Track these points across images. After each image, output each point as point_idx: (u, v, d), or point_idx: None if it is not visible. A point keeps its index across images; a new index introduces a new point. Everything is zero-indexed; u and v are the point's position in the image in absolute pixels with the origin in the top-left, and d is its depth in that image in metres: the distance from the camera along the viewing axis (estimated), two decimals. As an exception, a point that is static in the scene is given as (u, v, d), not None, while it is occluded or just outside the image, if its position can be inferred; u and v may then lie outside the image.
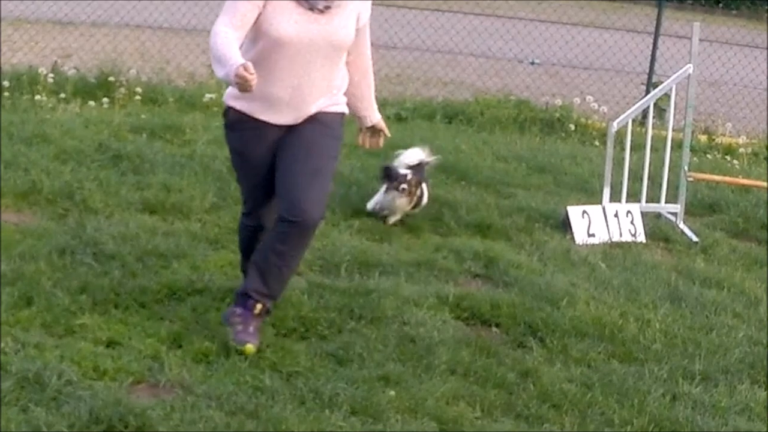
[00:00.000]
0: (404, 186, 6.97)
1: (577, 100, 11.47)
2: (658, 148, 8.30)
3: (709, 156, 10.82)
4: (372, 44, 5.31)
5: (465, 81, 12.93)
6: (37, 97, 9.20)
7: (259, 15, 4.82)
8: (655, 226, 7.96)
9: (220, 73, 4.69)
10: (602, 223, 7.59)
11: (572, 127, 10.91)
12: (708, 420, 5.01)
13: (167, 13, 12.65)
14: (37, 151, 7.47)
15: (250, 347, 4.93)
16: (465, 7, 17.44)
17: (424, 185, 7.20)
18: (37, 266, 5.57)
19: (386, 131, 5.44)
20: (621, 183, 7.85)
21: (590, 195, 8.25)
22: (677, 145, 8.44)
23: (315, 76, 4.95)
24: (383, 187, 7.09)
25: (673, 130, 8.19)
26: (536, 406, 4.89)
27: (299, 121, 5.04)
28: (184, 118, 9.05)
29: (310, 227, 4.96)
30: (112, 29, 12.84)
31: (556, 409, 4.92)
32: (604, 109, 11.45)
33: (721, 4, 24.65)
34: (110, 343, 4.92)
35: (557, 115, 11.00)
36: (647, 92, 10.59)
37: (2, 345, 4.68)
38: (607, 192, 7.77)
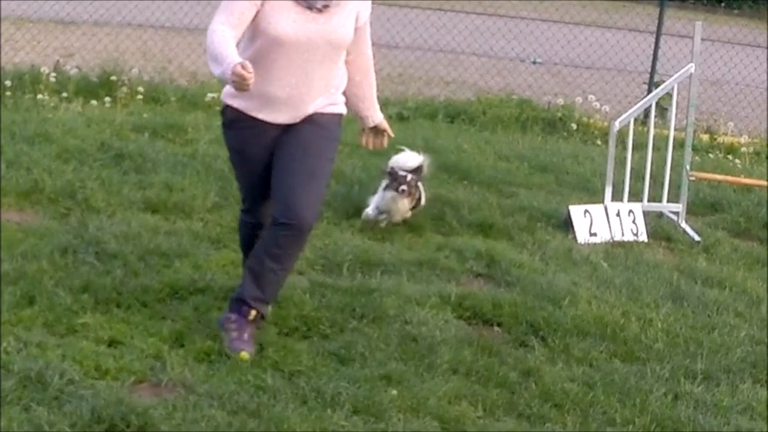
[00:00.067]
0: (404, 187, 6.96)
1: (579, 100, 11.47)
2: (660, 148, 8.30)
3: (711, 155, 10.81)
4: (374, 43, 5.31)
5: (467, 80, 12.93)
6: (40, 96, 9.20)
7: (257, 13, 4.80)
8: (657, 225, 7.96)
9: (216, 71, 4.67)
10: (604, 222, 7.59)
11: (574, 126, 10.91)
12: (710, 419, 5.01)
13: (169, 12, 12.66)
14: (40, 150, 7.47)
15: (244, 355, 4.92)
16: (467, 6, 17.43)
17: (421, 187, 7.19)
18: (39, 265, 5.57)
19: (389, 131, 5.42)
20: (623, 182, 7.85)
21: (592, 194, 8.25)
22: (679, 145, 8.44)
23: (313, 75, 4.94)
24: (381, 188, 7.08)
25: (675, 130, 8.19)
26: (538, 406, 4.89)
27: (297, 120, 5.02)
28: (186, 117, 9.06)
29: (304, 230, 4.95)
30: (114, 28, 12.84)
31: (558, 408, 4.92)
32: (606, 108, 11.44)
33: (723, 4, 24.64)
34: (112, 343, 4.92)
35: (559, 114, 11.00)
36: (649, 91, 10.58)
37: (4, 344, 4.68)
38: (609, 191, 7.76)
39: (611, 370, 5.33)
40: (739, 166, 10.42)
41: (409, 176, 7.04)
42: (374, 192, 7.16)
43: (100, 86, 9.75)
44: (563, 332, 5.68)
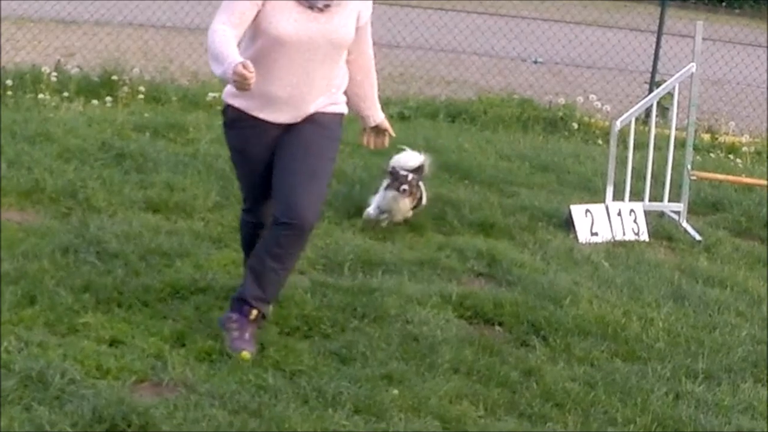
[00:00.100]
0: (405, 187, 6.96)
1: (580, 99, 11.47)
2: (661, 147, 8.30)
3: (712, 155, 10.81)
4: (375, 43, 5.30)
5: (468, 80, 12.93)
6: (41, 95, 9.21)
7: (259, 13, 4.80)
8: (658, 224, 7.96)
9: (217, 71, 4.66)
10: (605, 221, 7.59)
11: (575, 125, 10.91)
12: (711, 419, 5.01)
13: (170, 12, 12.67)
14: (41, 149, 7.47)
15: (245, 354, 4.91)
16: (468, 5, 17.44)
17: (423, 187, 7.19)
18: (40, 265, 5.57)
19: (391, 131, 5.41)
20: (624, 182, 7.85)
21: (593, 194, 8.25)
22: (680, 144, 8.44)
23: (314, 74, 4.94)
24: (383, 187, 7.08)
25: (676, 129, 8.19)
26: (539, 405, 4.89)
27: (298, 120, 5.02)
28: (187, 116, 9.06)
29: (305, 230, 4.94)
30: (115, 28, 12.85)
31: (559, 407, 4.91)
32: (607, 107, 11.44)
33: (724, 3, 24.64)
34: (113, 342, 4.92)
35: (560, 113, 11.00)
36: (650, 91, 10.59)
37: (5, 344, 4.68)
38: (610, 191, 7.76)
39: (612, 370, 5.33)
40: (740, 165, 10.43)
41: (411, 176, 7.04)
42: (375, 191, 7.17)
43: (101, 86, 9.75)
44: (564, 332, 5.68)
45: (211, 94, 9.69)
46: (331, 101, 5.08)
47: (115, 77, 9.81)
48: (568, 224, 7.49)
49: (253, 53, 4.85)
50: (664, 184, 8.07)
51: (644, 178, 7.99)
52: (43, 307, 5.13)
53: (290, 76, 4.90)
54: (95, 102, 9.36)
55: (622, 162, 7.90)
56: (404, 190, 6.95)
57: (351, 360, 5.05)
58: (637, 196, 7.96)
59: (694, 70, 8.04)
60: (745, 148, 11.09)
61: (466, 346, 5.34)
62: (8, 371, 4.46)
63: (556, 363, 5.36)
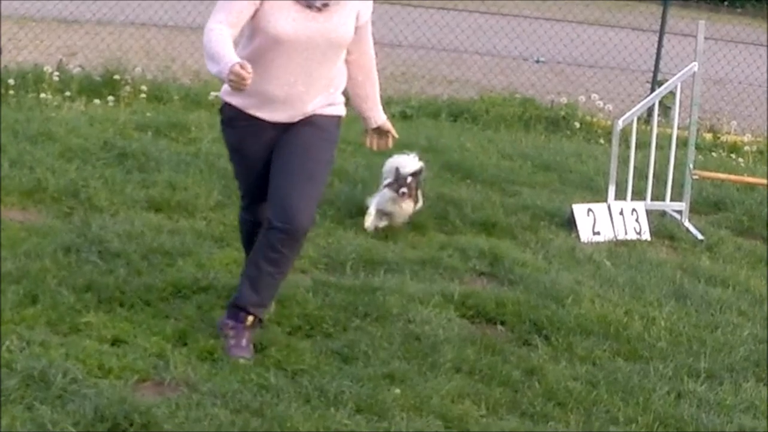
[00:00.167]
0: (404, 189, 6.94)
1: (582, 98, 11.47)
2: (663, 146, 8.30)
3: (714, 154, 10.81)
4: (377, 42, 5.29)
5: (470, 79, 12.93)
6: (43, 95, 9.21)
7: (257, 12, 4.78)
8: (660, 224, 7.96)
9: (213, 69, 4.64)
10: (607, 221, 7.59)
11: (577, 125, 10.91)
12: (713, 418, 5.00)
13: (172, 11, 12.67)
14: (43, 149, 7.48)
15: (243, 362, 4.92)
16: (470, 5, 17.44)
17: (419, 192, 7.19)
18: (42, 264, 5.58)
19: (393, 132, 5.36)
20: (626, 181, 7.85)
21: (595, 193, 8.25)
22: (682, 143, 8.43)
23: (312, 74, 4.91)
24: (382, 188, 7.06)
25: (678, 128, 8.19)
26: (541, 404, 4.89)
27: (296, 119, 4.99)
28: (189, 116, 9.06)
29: (299, 234, 4.92)
30: (117, 27, 12.86)
31: (561, 407, 4.91)
32: (609, 107, 11.45)
33: (726, 2, 24.64)
34: (115, 341, 4.92)
35: (562, 113, 11.00)
36: (652, 90, 10.59)
37: (7, 343, 4.68)
38: (612, 190, 7.76)
39: (614, 369, 5.33)
40: (742, 164, 10.43)
41: (410, 178, 7.03)
42: (376, 191, 7.18)
43: (103, 85, 9.75)
44: (566, 331, 5.67)
45: (213, 93, 9.69)
46: (329, 101, 5.05)
47: (117, 76, 9.81)
48: (570, 223, 7.48)
49: (251, 52, 4.83)
50: (666, 183, 8.07)
51: (646, 177, 7.99)
52: (45, 306, 5.13)
53: (288, 76, 4.88)
54: (97, 101, 9.36)
55: (624, 161, 7.90)
56: (403, 193, 6.94)
57: (353, 359, 5.05)
58: (639, 195, 7.95)
59: (696, 69, 8.04)
60: (747, 148, 11.09)
61: (468, 345, 5.34)
62: (10, 370, 4.46)
63: (558, 362, 5.36)
